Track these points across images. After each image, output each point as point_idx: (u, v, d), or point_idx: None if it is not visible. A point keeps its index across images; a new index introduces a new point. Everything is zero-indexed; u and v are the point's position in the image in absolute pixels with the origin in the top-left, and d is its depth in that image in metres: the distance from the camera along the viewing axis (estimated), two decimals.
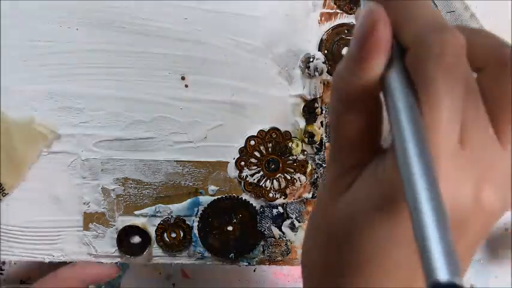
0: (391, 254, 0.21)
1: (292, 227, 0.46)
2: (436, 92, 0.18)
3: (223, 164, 0.46)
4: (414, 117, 0.19)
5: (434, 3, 0.49)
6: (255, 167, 0.45)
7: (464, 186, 0.19)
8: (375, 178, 0.21)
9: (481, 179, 0.19)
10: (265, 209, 0.46)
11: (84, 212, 0.45)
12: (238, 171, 0.45)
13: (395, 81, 0.19)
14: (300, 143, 0.45)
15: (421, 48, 0.19)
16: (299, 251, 0.46)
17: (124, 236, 0.45)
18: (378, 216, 0.20)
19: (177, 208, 0.45)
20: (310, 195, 0.46)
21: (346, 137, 0.22)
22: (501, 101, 0.20)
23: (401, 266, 0.21)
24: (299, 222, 0.46)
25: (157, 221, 0.45)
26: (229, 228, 0.46)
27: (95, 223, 0.46)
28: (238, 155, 0.45)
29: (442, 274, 0.16)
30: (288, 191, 0.46)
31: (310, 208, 0.46)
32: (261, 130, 0.45)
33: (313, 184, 0.46)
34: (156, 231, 0.45)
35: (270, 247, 0.46)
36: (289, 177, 0.45)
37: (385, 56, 0.20)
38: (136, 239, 0.46)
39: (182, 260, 0.46)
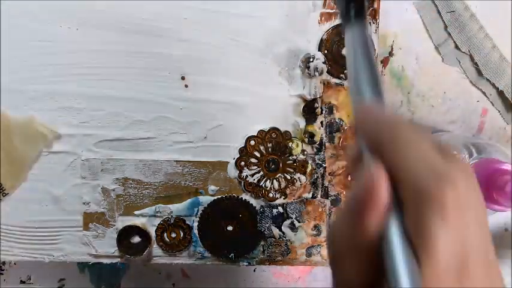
0: None
1: (292, 227, 0.46)
2: (434, 243, 0.19)
3: (223, 164, 0.46)
4: (410, 263, 0.19)
5: (434, 4, 0.49)
6: (255, 167, 0.45)
7: None
8: None
9: None
10: (265, 209, 0.46)
11: (84, 212, 0.45)
12: (238, 171, 0.45)
13: (393, 234, 0.20)
14: (300, 143, 0.45)
15: (419, 205, 0.19)
16: (299, 251, 0.46)
17: (124, 236, 0.45)
18: None
19: (177, 208, 0.45)
20: (310, 195, 0.46)
21: (349, 281, 0.22)
22: None
23: None
24: (299, 222, 0.46)
25: (157, 221, 0.45)
26: (229, 228, 0.46)
27: (95, 223, 0.46)
28: (238, 155, 0.45)
29: None
30: (288, 191, 0.46)
31: (310, 208, 0.46)
32: (261, 130, 0.45)
33: (313, 184, 0.46)
34: (156, 231, 0.45)
35: (270, 247, 0.46)
36: (289, 177, 0.45)
37: (382, 215, 0.20)
38: (136, 239, 0.46)
39: (182, 260, 0.46)
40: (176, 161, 0.45)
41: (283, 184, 0.45)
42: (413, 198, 0.20)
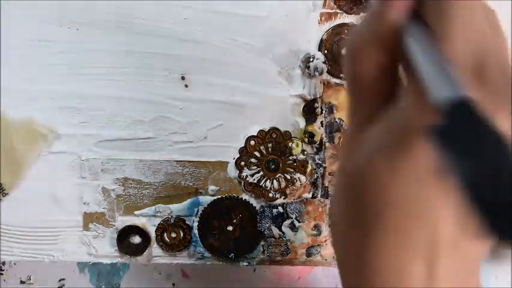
0: (410, 193, 0.20)
1: (292, 227, 0.46)
2: (450, 22, 0.19)
3: (223, 164, 0.46)
4: (432, 50, 0.19)
5: None
6: (255, 167, 0.45)
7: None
8: (391, 119, 0.21)
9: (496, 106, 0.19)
10: (265, 209, 0.46)
11: (84, 212, 0.45)
12: (238, 171, 0.45)
13: (415, 28, 0.20)
14: (300, 143, 0.45)
15: None
16: (299, 251, 0.46)
17: (124, 236, 0.45)
18: (396, 155, 0.20)
19: (177, 208, 0.45)
20: (310, 195, 0.46)
21: (365, 78, 0.22)
22: None
23: (424, 206, 0.20)
24: (299, 222, 0.46)
25: (157, 221, 0.45)
26: (229, 228, 0.46)
27: (95, 223, 0.46)
28: (238, 155, 0.45)
29: (449, 92, 0.17)
30: (288, 191, 0.46)
31: (310, 208, 0.46)
32: (261, 130, 0.45)
33: (313, 184, 0.46)
34: (156, 231, 0.45)
35: (270, 247, 0.46)
36: (289, 177, 0.45)
37: (403, 6, 0.21)
38: (137, 239, 0.46)
39: (182, 260, 0.46)
40: (176, 161, 0.45)
41: (283, 184, 0.45)
42: None
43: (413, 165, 0.20)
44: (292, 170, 0.45)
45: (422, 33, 0.20)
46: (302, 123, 0.45)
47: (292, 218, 0.46)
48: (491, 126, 0.16)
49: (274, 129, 0.45)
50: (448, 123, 0.16)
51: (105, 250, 0.46)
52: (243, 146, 0.45)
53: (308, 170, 0.45)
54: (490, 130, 0.16)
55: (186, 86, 0.45)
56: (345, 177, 0.23)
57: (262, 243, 0.46)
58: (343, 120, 0.45)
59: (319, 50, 0.45)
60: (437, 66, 0.19)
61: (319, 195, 0.46)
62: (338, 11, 0.45)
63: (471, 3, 0.20)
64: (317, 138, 0.45)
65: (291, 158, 0.45)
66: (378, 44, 0.21)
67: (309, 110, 0.45)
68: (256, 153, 0.45)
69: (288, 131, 0.45)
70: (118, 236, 0.45)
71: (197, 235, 0.45)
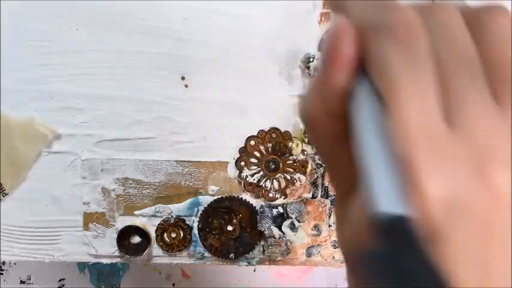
0: None
1: (292, 227, 0.46)
2: (393, 79, 0.16)
3: (223, 164, 0.46)
4: (375, 117, 0.16)
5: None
6: (255, 167, 0.45)
7: (462, 175, 0.15)
8: (353, 212, 0.19)
9: (485, 159, 0.16)
10: (265, 209, 0.46)
11: (84, 212, 0.45)
12: (238, 171, 0.45)
13: (359, 91, 0.17)
14: (300, 143, 0.45)
15: (369, 40, 0.17)
16: (299, 251, 0.46)
17: (124, 236, 0.45)
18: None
19: (177, 208, 0.45)
20: (310, 195, 0.46)
21: (329, 148, 0.20)
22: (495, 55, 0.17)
23: None
24: (299, 222, 0.46)
25: (157, 221, 0.45)
26: (229, 228, 0.46)
27: (95, 223, 0.46)
28: (238, 155, 0.45)
29: (383, 206, 0.14)
30: (288, 191, 0.46)
31: (310, 208, 0.46)
32: (261, 130, 0.45)
33: (313, 184, 0.46)
34: (156, 231, 0.45)
35: (270, 247, 0.46)
36: (289, 177, 0.45)
37: (347, 69, 0.17)
38: (137, 239, 0.46)
39: (182, 260, 0.46)
40: (176, 161, 0.45)
41: (283, 184, 0.45)
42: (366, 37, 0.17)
43: None
44: (292, 170, 0.45)
45: (370, 100, 0.17)
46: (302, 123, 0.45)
47: (292, 218, 0.46)
48: (426, 257, 0.14)
49: (274, 129, 0.45)
50: (379, 252, 0.14)
51: (105, 250, 0.46)
52: (243, 146, 0.45)
53: (308, 170, 0.46)
54: (424, 262, 0.14)
55: (186, 86, 0.45)
56: (342, 246, 0.21)
57: (262, 243, 0.46)
58: None
59: (319, 50, 0.45)
60: (376, 158, 0.16)
61: (319, 195, 0.46)
62: None
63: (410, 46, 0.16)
64: None
65: (291, 158, 0.45)
66: (328, 111, 0.18)
67: None
68: (256, 153, 0.45)
69: (288, 131, 0.45)
70: (118, 236, 0.45)
71: (197, 235, 0.45)
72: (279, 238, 0.46)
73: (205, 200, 0.45)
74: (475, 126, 0.16)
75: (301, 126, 0.45)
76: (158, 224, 0.45)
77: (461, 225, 0.15)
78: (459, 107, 0.16)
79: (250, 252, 0.46)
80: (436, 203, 0.15)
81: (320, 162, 0.46)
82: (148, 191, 0.45)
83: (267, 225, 0.46)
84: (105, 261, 0.46)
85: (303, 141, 0.45)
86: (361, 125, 0.17)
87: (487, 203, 0.15)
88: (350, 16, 0.18)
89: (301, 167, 0.45)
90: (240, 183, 0.45)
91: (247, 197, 0.46)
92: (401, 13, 0.17)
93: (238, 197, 0.45)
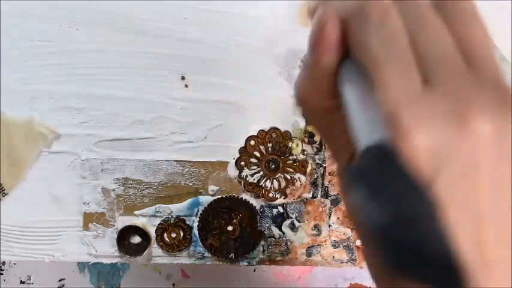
0: None
1: (292, 227, 0.46)
2: (374, 56, 0.18)
3: (223, 164, 0.46)
4: (363, 90, 0.19)
5: None
6: (255, 167, 0.45)
7: (444, 125, 0.17)
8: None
9: (464, 109, 0.17)
10: (265, 209, 0.46)
11: (84, 212, 0.45)
12: (238, 171, 0.45)
13: (346, 70, 0.20)
14: (300, 143, 0.45)
15: (350, 23, 0.19)
16: (299, 251, 0.46)
17: (124, 236, 0.45)
18: None
19: (177, 208, 0.45)
20: (310, 195, 0.46)
21: (325, 125, 0.23)
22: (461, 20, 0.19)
23: None
24: (299, 222, 0.46)
25: (157, 221, 0.45)
26: (229, 228, 0.46)
27: (95, 223, 0.46)
28: (238, 155, 0.45)
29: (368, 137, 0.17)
30: (288, 191, 0.46)
31: (310, 208, 0.46)
32: (261, 130, 0.45)
33: (313, 184, 0.46)
34: (156, 231, 0.45)
35: (270, 247, 0.46)
36: (289, 177, 0.45)
37: (333, 49, 0.20)
38: (137, 239, 0.46)
39: (182, 260, 0.46)
40: (176, 161, 0.45)
41: (283, 184, 0.45)
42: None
43: None
44: (292, 170, 0.45)
45: (355, 75, 0.19)
46: (302, 123, 0.45)
47: (292, 218, 0.46)
48: (405, 169, 0.16)
49: (274, 129, 0.45)
50: (359, 165, 0.17)
51: (105, 250, 0.46)
52: (243, 146, 0.45)
53: (308, 170, 0.46)
54: (403, 173, 0.16)
55: (186, 86, 0.45)
56: (351, 215, 0.23)
57: (262, 243, 0.46)
58: None
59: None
60: (366, 120, 0.18)
61: (319, 195, 0.46)
62: None
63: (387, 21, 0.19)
64: (317, 138, 0.45)
65: (291, 158, 0.45)
66: (319, 90, 0.21)
67: None
68: (256, 153, 0.45)
69: (288, 131, 0.45)
70: (118, 236, 0.45)
71: (197, 235, 0.45)
72: (279, 238, 0.46)
73: (205, 200, 0.45)
74: (452, 83, 0.18)
75: (301, 126, 0.45)
76: (158, 224, 0.45)
77: (449, 170, 0.17)
78: (435, 69, 0.18)
79: (250, 252, 0.46)
80: (424, 153, 0.17)
81: (320, 162, 0.46)
82: (148, 191, 0.45)
83: (267, 225, 0.46)
84: (105, 261, 0.46)
85: (303, 141, 0.45)
86: (351, 98, 0.19)
87: (470, 147, 0.17)
88: (331, 11, 0.20)
89: (301, 167, 0.45)
90: (240, 183, 0.45)
91: (247, 197, 0.46)
92: (375, 1, 0.19)
93: (238, 197, 0.45)
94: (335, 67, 0.20)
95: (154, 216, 0.46)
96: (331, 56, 0.20)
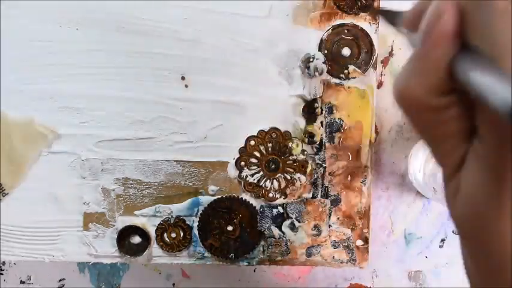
0: None
1: (292, 227, 0.46)
2: (503, 42, 0.18)
3: (223, 164, 0.46)
4: (490, 72, 0.18)
5: None
6: (255, 167, 0.45)
7: None
8: (478, 159, 0.20)
9: None
10: (265, 209, 0.46)
11: (84, 212, 0.45)
12: (238, 171, 0.45)
13: (466, 57, 0.19)
14: (300, 143, 0.45)
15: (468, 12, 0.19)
16: (299, 251, 0.46)
17: (124, 236, 0.45)
18: (498, 198, 0.20)
19: (177, 208, 0.45)
20: (310, 195, 0.46)
21: (435, 129, 0.21)
22: None
23: None
24: (299, 222, 0.46)
25: (157, 221, 0.45)
26: (229, 228, 0.46)
27: (95, 223, 0.46)
28: (238, 155, 0.45)
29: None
30: (288, 191, 0.46)
31: (310, 208, 0.46)
32: (261, 130, 0.45)
33: (313, 184, 0.46)
34: (156, 231, 0.45)
35: (270, 247, 0.46)
36: (289, 177, 0.45)
37: (451, 42, 0.19)
38: (137, 239, 0.46)
39: (182, 260, 0.46)
40: (176, 161, 0.45)
41: (283, 184, 0.45)
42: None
43: None
44: (292, 170, 0.45)
45: (475, 59, 0.19)
46: (302, 123, 0.45)
47: (292, 218, 0.46)
48: None
49: (274, 129, 0.45)
50: None
51: (105, 250, 0.46)
52: (243, 146, 0.45)
53: (308, 170, 0.45)
54: None
55: (186, 86, 0.45)
56: (457, 226, 0.23)
57: (262, 243, 0.46)
58: (343, 120, 0.45)
59: (319, 50, 0.45)
60: (501, 81, 0.18)
61: (319, 195, 0.46)
62: (338, 11, 0.45)
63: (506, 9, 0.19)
64: (317, 138, 0.45)
65: (291, 158, 0.45)
66: (431, 88, 0.20)
67: (309, 110, 0.45)
68: (256, 153, 0.45)
69: (288, 131, 0.45)
70: (118, 236, 0.45)
71: (197, 235, 0.45)
72: (279, 238, 0.46)
73: (205, 200, 0.45)
74: None
75: (301, 126, 0.45)
76: (158, 224, 0.45)
77: None
78: None
79: (250, 252, 0.46)
80: None
81: (320, 162, 0.46)
82: (148, 191, 0.45)
83: (267, 225, 0.46)
84: (105, 261, 0.46)
85: (303, 141, 0.45)
86: (478, 79, 0.18)
87: None
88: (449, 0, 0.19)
89: (301, 167, 0.45)
90: (240, 183, 0.45)
91: (247, 197, 0.46)
92: None
93: (238, 197, 0.45)
94: (450, 60, 0.19)
95: (154, 216, 0.46)
96: (447, 48, 0.19)
